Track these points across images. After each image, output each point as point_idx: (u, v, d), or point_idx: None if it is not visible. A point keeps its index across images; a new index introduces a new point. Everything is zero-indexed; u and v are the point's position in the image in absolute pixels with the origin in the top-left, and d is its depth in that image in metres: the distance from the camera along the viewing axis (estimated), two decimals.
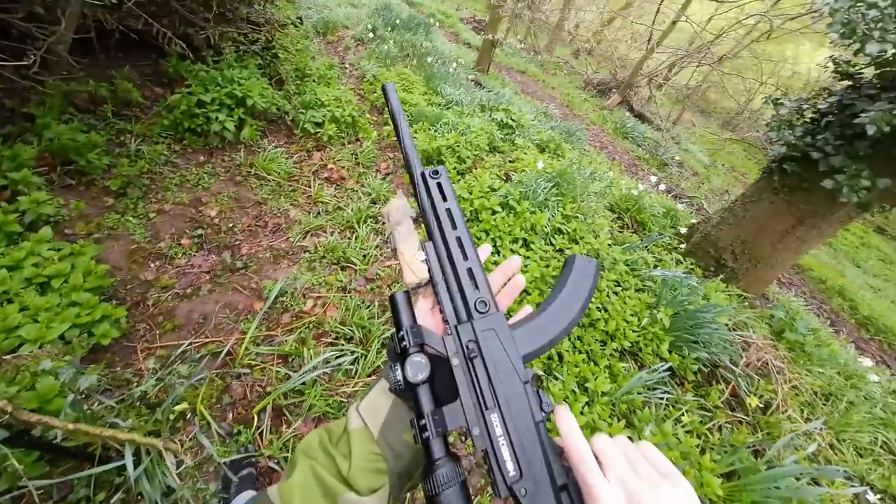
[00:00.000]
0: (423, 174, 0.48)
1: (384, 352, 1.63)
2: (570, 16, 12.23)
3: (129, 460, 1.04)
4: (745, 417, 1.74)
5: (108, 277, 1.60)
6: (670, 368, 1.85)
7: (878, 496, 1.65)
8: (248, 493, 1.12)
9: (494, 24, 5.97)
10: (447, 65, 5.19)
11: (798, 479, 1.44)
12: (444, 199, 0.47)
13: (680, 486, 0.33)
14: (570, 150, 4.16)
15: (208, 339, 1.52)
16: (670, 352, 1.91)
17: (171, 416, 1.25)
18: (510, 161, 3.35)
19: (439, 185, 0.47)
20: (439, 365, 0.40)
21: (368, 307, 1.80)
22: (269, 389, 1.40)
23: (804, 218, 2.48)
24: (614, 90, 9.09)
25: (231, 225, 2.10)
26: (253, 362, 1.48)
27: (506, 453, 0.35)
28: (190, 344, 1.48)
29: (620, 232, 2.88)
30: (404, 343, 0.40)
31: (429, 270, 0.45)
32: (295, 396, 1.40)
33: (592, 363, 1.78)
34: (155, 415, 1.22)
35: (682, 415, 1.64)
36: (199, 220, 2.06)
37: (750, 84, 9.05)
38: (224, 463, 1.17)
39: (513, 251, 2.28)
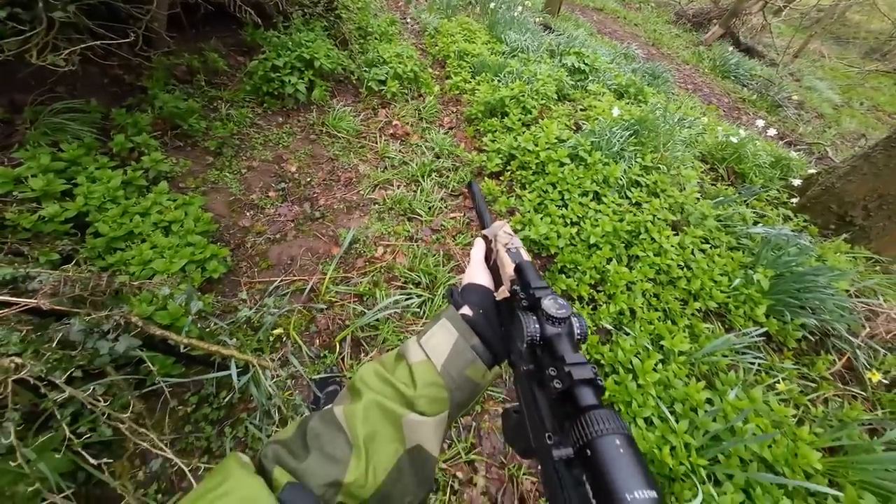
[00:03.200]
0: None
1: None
2: None
3: (233, 371, 1.25)
4: (862, 393, 1.50)
5: (213, 223, 1.87)
6: (766, 334, 1.64)
7: None
8: None
9: None
10: (512, 9, 4.79)
11: None
12: None
13: None
14: (654, 94, 3.66)
15: (296, 278, 1.72)
16: (767, 316, 1.69)
17: (271, 338, 1.47)
18: (581, 109, 3.07)
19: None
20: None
21: (434, 256, 1.86)
22: (347, 323, 1.56)
23: None
24: (714, 21, 7.63)
25: (309, 179, 2.28)
26: (333, 299, 1.65)
27: None
28: (281, 281, 1.69)
29: (713, 185, 2.53)
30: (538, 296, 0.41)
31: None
32: (370, 330, 1.55)
33: (670, 322, 1.66)
34: (257, 335, 1.44)
35: (777, 382, 1.47)
36: (281, 175, 2.27)
37: None
38: (312, 379, 1.35)
39: (582, 205, 2.14)
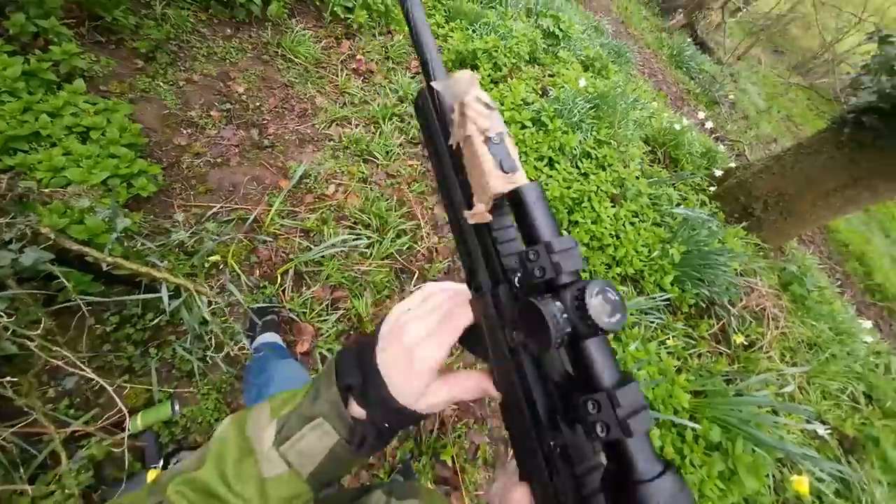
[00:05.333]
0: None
1: (398, 240, 1.63)
2: None
3: (164, 295, 1.12)
4: (727, 351, 1.76)
5: (142, 136, 1.58)
6: (668, 299, 1.83)
7: (828, 430, 1.73)
8: (270, 335, 1.23)
9: None
10: None
11: (760, 408, 1.50)
12: None
13: None
14: (617, 71, 3.63)
15: (238, 206, 1.55)
16: (672, 284, 1.87)
17: (206, 265, 1.34)
18: (550, 75, 2.97)
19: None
20: None
21: (387, 200, 1.77)
22: (291, 256, 1.46)
23: (861, 178, 2.21)
24: (681, 10, 7.60)
25: (258, 104, 2.00)
26: (278, 232, 1.52)
27: None
28: (221, 207, 1.52)
29: (651, 165, 2.64)
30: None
31: None
32: (315, 266, 1.47)
33: None
34: (191, 261, 1.30)
35: (668, 339, 1.67)
36: (226, 95, 1.96)
37: (843, 22, 7.35)
38: (251, 308, 1.27)
39: (536, 168, 2.14)
